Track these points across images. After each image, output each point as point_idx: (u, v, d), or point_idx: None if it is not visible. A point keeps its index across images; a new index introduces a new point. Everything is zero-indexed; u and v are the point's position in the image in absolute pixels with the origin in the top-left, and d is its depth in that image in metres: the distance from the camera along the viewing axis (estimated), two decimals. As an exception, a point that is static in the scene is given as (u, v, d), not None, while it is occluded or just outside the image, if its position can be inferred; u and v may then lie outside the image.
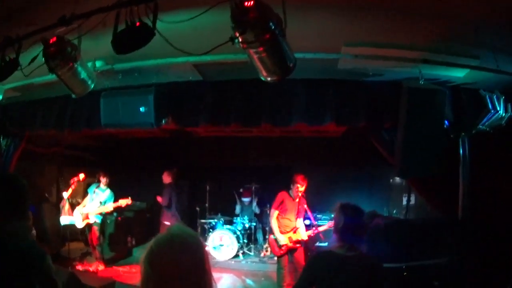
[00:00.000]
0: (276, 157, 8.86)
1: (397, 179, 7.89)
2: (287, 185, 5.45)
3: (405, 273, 4.09)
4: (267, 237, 7.27)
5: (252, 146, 8.50)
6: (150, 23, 2.39)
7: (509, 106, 3.95)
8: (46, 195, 8.44)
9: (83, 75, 3.31)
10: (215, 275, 1.32)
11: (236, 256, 7.66)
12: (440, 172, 3.87)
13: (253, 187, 8.36)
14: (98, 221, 6.74)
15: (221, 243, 7.58)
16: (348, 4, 2.85)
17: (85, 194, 7.43)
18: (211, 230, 7.96)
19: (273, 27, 2.35)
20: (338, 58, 3.75)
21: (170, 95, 4.71)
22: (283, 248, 5.27)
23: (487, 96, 3.83)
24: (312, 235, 5.57)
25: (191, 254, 1.28)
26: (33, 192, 7.50)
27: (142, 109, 4.50)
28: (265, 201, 7.90)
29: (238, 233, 7.80)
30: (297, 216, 5.43)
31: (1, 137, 5.76)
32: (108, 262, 6.89)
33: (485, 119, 3.91)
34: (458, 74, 3.98)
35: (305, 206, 5.48)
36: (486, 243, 3.98)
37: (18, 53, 3.01)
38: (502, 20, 2.90)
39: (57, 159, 8.52)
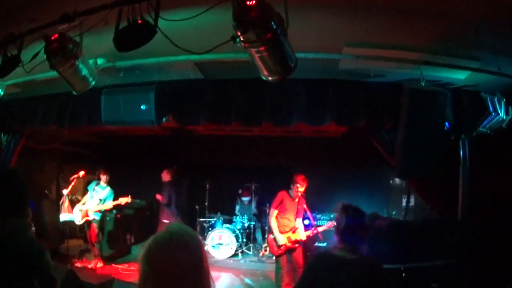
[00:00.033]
0: (276, 156, 8.84)
1: (397, 180, 7.88)
2: (287, 185, 5.45)
3: (404, 274, 4.09)
4: (266, 236, 7.28)
5: (252, 145, 8.48)
6: (152, 21, 2.39)
7: (510, 108, 3.95)
8: (46, 191, 8.45)
9: (84, 72, 3.31)
10: (214, 274, 1.31)
11: (235, 255, 7.66)
12: (440, 173, 3.87)
13: (253, 187, 8.36)
14: (97, 218, 6.72)
15: (220, 242, 7.58)
16: (348, 4, 2.84)
17: (85, 191, 7.42)
18: (210, 228, 7.97)
19: (274, 27, 2.34)
20: (339, 58, 3.75)
21: (171, 93, 4.71)
22: (281, 248, 5.27)
23: (488, 98, 3.84)
24: (311, 235, 5.56)
25: (190, 252, 1.27)
26: (33, 188, 7.55)
27: (143, 106, 4.49)
28: (265, 201, 7.87)
29: (237, 232, 7.81)
30: (296, 216, 5.43)
31: (2, 133, 5.75)
32: (107, 260, 6.89)
33: (485, 122, 3.91)
34: (459, 76, 3.98)
35: (305, 206, 5.48)
36: (486, 244, 3.98)
37: (19, 49, 3.01)
38: (502, 20, 2.89)
39: (57, 155, 8.53)
